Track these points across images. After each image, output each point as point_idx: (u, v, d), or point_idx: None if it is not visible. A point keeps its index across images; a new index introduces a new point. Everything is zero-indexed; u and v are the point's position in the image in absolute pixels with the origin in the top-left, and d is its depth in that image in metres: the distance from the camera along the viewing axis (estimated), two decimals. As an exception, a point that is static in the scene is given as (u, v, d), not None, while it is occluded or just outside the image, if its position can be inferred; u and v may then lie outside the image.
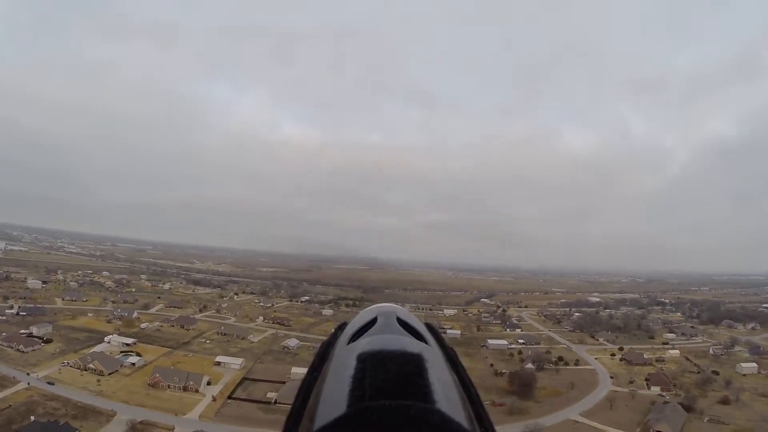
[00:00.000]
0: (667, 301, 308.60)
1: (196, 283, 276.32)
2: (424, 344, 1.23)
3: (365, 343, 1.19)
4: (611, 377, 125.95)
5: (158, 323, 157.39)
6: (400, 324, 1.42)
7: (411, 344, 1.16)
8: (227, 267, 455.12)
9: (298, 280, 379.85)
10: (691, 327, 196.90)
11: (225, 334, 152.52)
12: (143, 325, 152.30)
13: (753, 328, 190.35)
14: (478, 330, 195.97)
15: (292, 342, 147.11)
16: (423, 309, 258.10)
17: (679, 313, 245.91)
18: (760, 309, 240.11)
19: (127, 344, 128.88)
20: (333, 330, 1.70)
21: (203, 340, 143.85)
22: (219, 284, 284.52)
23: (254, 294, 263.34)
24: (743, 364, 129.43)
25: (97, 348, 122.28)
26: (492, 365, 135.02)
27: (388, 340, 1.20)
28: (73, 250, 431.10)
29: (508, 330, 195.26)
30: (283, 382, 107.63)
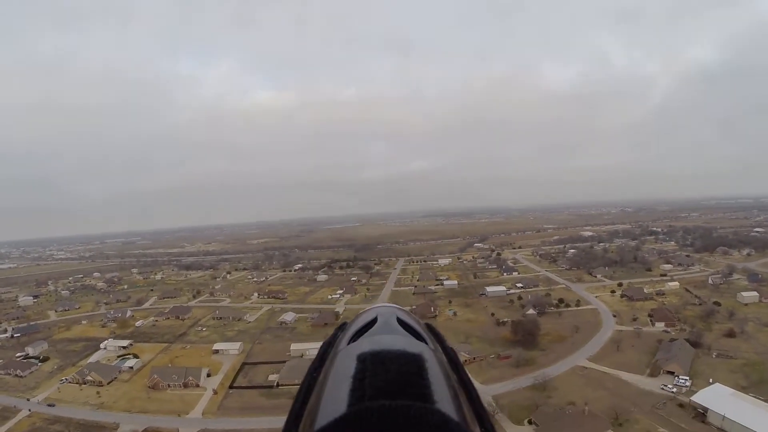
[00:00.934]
0: (660, 229, 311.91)
1: (188, 267, 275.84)
2: (424, 344, 1.23)
3: (365, 344, 1.20)
4: (614, 316, 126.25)
5: (153, 318, 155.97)
6: (400, 324, 1.45)
7: (411, 344, 1.17)
8: (218, 245, 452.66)
9: (290, 247, 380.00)
10: (687, 256, 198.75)
11: (220, 318, 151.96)
12: (138, 323, 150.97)
13: (748, 254, 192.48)
14: (475, 277, 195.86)
15: (289, 316, 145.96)
16: (417, 261, 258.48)
17: (672, 242, 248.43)
18: (753, 234, 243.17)
19: (124, 347, 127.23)
20: (333, 330, 1.74)
21: (199, 328, 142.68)
22: (211, 265, 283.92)
23: (247, 269, 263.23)
24: (744, 293, 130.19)
25: (94, 357, 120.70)
26: (493, 314, 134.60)
27: (388, 340, 1.22)
28: (63, 256, 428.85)
29: (504, 274, 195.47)
30: (284, 362, 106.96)
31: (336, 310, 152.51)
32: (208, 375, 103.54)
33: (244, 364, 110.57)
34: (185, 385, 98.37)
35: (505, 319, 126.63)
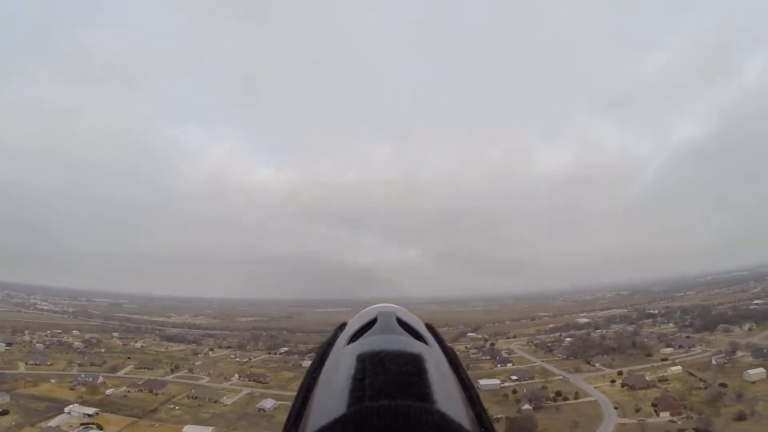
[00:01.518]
0: (657, 311, 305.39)
1: (170, 339, 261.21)
2: (424, 344, 1.23)
3: (365, 344, 1.19)
4: (615, 408, 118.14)
5: (125, 388, 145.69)
6: (400, 324, 1.38)
7: (411, 344, 1.17)
8: (205, 319, 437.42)
9: (278, 329, 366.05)
10: (687, 337, 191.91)
11: (196, 398, 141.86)
12: (109, 391, 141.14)
13: (750, 329, 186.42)
14: (468, 368, 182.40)
15: (268, 403, 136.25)
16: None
17: (671, 324, 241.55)
18: (752, 306, 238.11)
19: (89, 415, 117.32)
20: (333, 330, 1.74)
21: (172, 406, 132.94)
22: (194, 339, 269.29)
23: (231, 348, 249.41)
24: (750, 371, 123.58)
25: (55, 421, 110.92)
26: (486, 410, 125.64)
27: (388, 340, 1.21)
28: (45, 307, 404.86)
29: (498, 366, 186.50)
30: None
31: None
32: None
33: None
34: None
35: (499, 416, 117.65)
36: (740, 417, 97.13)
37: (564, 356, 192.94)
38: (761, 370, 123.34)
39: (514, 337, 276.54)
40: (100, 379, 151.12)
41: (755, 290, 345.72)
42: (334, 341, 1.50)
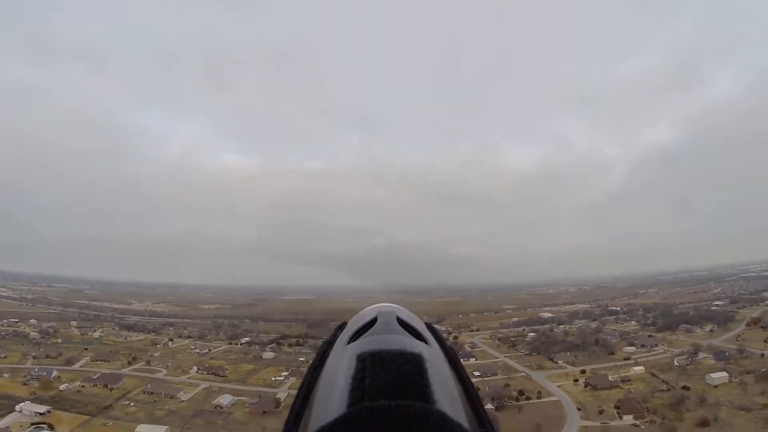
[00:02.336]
0: (619, 308, 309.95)
1: (130, 328, 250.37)
2: (424, 344, 1.27)
3: (365, 343, 1.21)
4: (578, 409, 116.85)
5: (80, 383, 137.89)
6: (400, 324, 1.44)
7: (411, 344, 1.19)
8: (167, 306, 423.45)
9: (241, 317, 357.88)
10: (649, 336, 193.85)
11: (152, 393, 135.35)
12: (63, 387, 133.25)
13: (711, 330, 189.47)
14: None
15: (226, 399, 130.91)
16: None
17: (633, 322, 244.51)
18: (713, 308, 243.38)
19: (41, 413, 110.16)
20: (333, 330, 1.73)
21: (127, 402, 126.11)
22: (154, 328, 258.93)
23: (191, 338, 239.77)
24: (713, 375, 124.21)
25: (5, 421, 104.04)
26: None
27: (388, 339, 1.22)
28: (3, 293, 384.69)
29: (462, 361, 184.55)
30: None
31: (278, 395, 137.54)
32: None
33: None
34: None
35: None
36: (703, 423, 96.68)
37: (527, 352, 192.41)
38: (723, 374, 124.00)
39: (478, 330, 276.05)
40: (54, 373, 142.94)
41: (715, 291, 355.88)
42: (334, 341, 1.52)
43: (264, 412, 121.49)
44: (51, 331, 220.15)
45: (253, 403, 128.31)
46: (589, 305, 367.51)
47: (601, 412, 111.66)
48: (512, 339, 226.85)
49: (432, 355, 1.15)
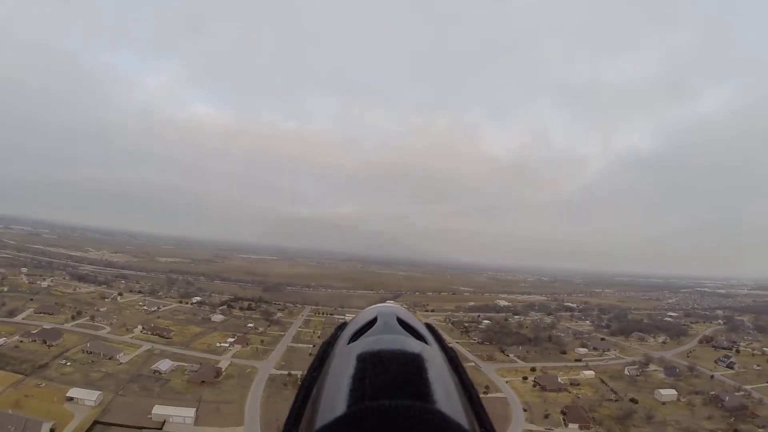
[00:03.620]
0: (575, 305, 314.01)
1: (81, 278, 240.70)
2: (424, 344, 1.26)
3: (365, 343, 1.21)
4: (524, 410, 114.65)
5: (18, 337, 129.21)
6: (400, 324, 1.46)
7: (411, 344, 1.18)
8: (124, 256, 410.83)
9: (197, 273, 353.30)
10: (602, 339, 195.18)
11: (91, 353, 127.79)
12: (0, 341, 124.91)
13: (663, 342, 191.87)
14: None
15: (165, 365, 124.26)
16: (324, 313, 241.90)
17: (588, 321, 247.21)
18: (667, 318, 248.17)
19: None
20: (333, 330, 1.75)
21: (64, 362, 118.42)
22: (106, 280, 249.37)
23: (142, 293, 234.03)
24: (662, 391, 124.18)
25: None
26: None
27: (388, 340, 1.23)
28: None
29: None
30: (141, 429, 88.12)
31: (220, 364, 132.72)
32: (52, 431, 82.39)
33: (96, 422, 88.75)
34: (21, 442, 75.61)
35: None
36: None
37: (479, 340, 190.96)
38: (672, 391, 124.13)
39: (433, 311, 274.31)
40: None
41: (670, 301, 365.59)
42: (335, 341, 1.54)
43: (203, 381, 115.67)
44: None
45: (193, 371, 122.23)
46: (545, 297, 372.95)
47: (546, 416, 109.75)
48: (466, 325, 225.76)
49: (432, 355, 1.13)
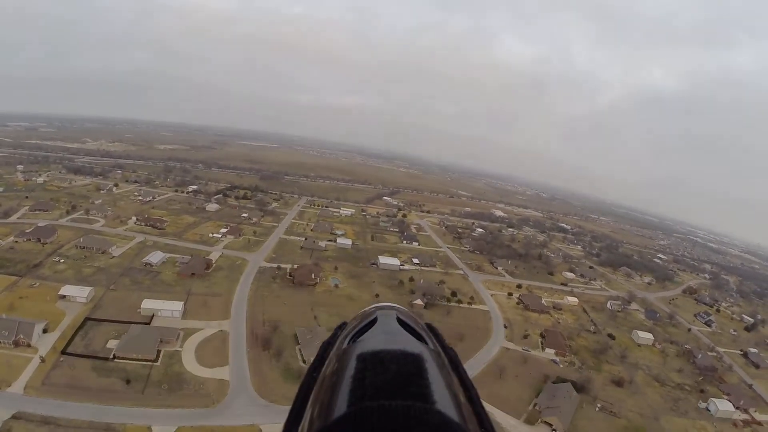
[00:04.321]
0: (569, 227, 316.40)
1: (77, 171, 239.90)
2: (424, 344, 1.27)
3: (365, 343, 1.24)
4: (505, 326, 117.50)
5: (13, 238, 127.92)
6: (400, 324, 1.48)
7: (411, 344, 1.21)
8: (121, 146, 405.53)
9: (195, 161, 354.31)
10: (590, 267, 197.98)
11: (84, 248, 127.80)
12: None
13: (649, 283, 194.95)
14: (373, 239, 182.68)
15: (156, 257, 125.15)
16: (319, 205, 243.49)
17: (579, 246, 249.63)
18: (655, 260, 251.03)
19: None
20: (333, 330, 1.76)
21: (57, 259, 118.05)
22: (102, 171, 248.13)
23: (138, 183, 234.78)
24: (640, 333, 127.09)
25: None
26: (377, 295, 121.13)
27: (388, 340, 1.27)
28: None
29: (404, 242, 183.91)
30: (130, 323, 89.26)
31: (210, 256, 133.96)
32: (45, 331, 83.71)
33: (87, 319, 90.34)
34: (16, 344, 79.00)
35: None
36: (619, 382, 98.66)
37: (471, 248, 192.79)
38: (649, 335, 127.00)
39: (428, 212, 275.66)
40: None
41: (662, 242, 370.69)
42: (334, 341, 1.55)
43: (193, 274, 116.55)
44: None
45: (183, 263, 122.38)
46: (541, 214, 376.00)
47: (525, 337, 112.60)
48: (460, 230, 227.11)
49: (432, 356, 1.17)
